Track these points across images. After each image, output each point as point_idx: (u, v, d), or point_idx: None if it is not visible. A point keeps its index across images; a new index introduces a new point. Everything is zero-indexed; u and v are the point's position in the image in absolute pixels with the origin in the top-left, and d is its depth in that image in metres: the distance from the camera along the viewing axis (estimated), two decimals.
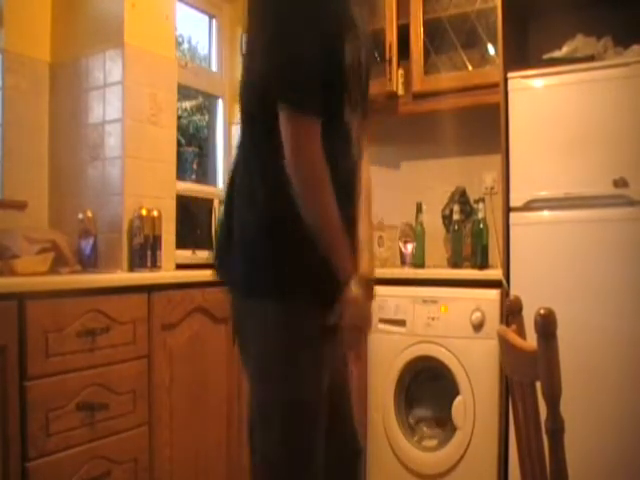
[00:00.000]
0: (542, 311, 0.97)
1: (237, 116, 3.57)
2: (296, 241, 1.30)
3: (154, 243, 2.31)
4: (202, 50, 3.54)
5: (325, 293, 1.31)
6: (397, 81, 2.99)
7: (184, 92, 3.31)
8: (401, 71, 3.02)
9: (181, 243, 2.57)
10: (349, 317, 1.31)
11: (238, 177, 1.40)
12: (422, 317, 2.57)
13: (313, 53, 1.23)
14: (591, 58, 2.38)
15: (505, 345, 1.19)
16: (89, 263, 2.26)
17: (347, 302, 1.30)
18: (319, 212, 1.27)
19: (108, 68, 2.36)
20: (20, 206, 2.38)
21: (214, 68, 3.50)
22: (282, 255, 1.31)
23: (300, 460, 1.34)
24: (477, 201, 2.86)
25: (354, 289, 1.30)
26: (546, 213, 2.35)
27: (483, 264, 2.69)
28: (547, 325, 0.96)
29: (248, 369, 1.40)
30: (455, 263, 2.84)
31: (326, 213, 1.27)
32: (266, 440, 1.37)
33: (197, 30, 3.47)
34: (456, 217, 2.88)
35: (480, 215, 2.78)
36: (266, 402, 1.37)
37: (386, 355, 2.64)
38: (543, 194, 2.35)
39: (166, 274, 2.22)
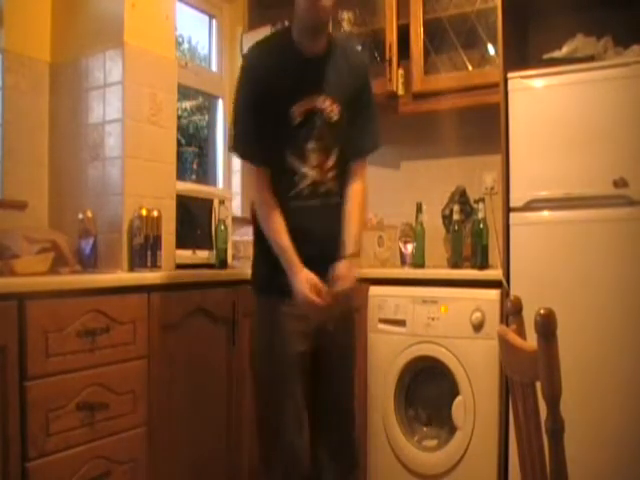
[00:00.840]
0: (542, 311, 0.97)
1: None
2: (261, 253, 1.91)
3: (154, 243, 2.31)
4: (202, 50, 3.54)
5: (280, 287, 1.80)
6: (397, 81, 2.99)
7: (184, 92, 3.31)
8: (401, 71, 3.02)
9: (181, 243, 2.56)
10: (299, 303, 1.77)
11: None
12: (422, 317, 2.57)
13: (243, 115, 1.85)
14: (591, 58, 2.38)
15: (505, 345, 1.19)
16: (89, 263, 2.26)
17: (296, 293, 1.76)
18: (267, 235, 1.83)
19: (108, 68, 2.35)
20: (20, 206, 2.38)
21: (214, 68, 3.50)
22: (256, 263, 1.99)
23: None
24: (477, 201, 2.86)
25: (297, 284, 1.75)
26: (546, 213, 2.35)
27: (483, 264, 2.69)
28: (547, 325, 0.97)
29: None
30: (455, 263, 2.84)
31: (269, 236, 1.82)
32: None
33: (197, 30, 3.47)
34: (456, 217, 2.88)
35: (480, 215, 2.78)
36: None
37: (386, 355, 2.64)
38: (543, 194, 2.35)
39: (166, 274, 2.22)
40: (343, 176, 1.90)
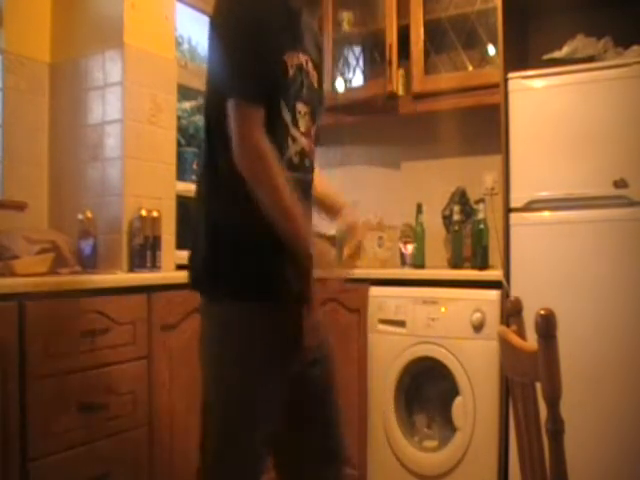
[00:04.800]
0: (542, 312, 0.97)
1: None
2: (239, 242, 1.40)
3: (154, 244, 2.31)
4: (202, 50, 3.54)
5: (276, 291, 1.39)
6: (397, 81, 2.99)
7: (184, 92, 3.31)
8: (401, 71, 3.02)
9: (181, 243, 2.56)
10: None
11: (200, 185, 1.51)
12: (422, 318, 2.57)
13: (251, 63, 1.37)
14: (591, 58, 2.38)
15: (505, 346, 1.19)
16: (89, 264, 2.26)
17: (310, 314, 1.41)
18: (271, 196, 1.35)
19: (108, 68, 2.36)
20: (20, 206, 2.38)
21: None
22: (229, 257, 1.40)
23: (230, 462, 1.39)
24: (477, 202, 2.86)
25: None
26: (546, 214, 2.35)
27: (483, 265, 2.69)
28: (547, 326, 0.96)
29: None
30: (455, 264, 2.84)
31: (279, 196, 1.34)
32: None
33: (197, 30, 3.47)
34: (456, 218, 2.88)
35: (480, 216, 2.78)
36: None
37: (386, 356, 2.63)
38: (543, 195, 2.35)
39: (166, 275, 2.22)
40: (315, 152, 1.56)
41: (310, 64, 1.52)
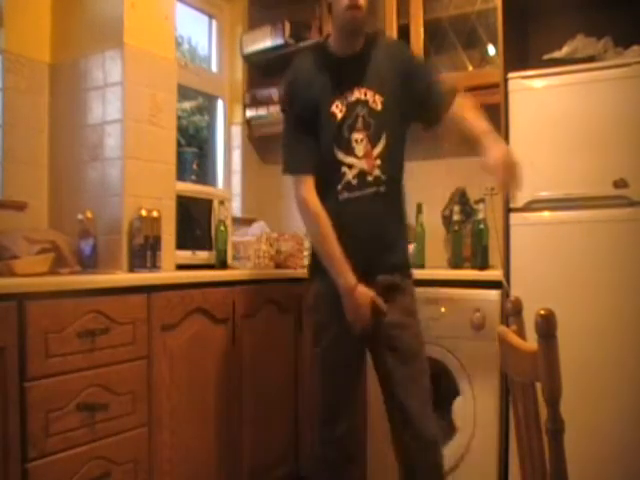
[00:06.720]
0: (542, 312, 0.97)
1: (238, 116, 3.57)
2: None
3: (154, 244, 2.31)
4: (202, 50, 3.54)
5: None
6: None
7: (184, 92, 3.31)
8: None
9: (181, 244, 2.56)
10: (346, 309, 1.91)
11: None
12: (422, 318, 2.55)
13: (287, 134, 1.99)
14: (591, 58, 2.38)
15: (505, 346, 1.19)
16: (89, 264, 2.26)
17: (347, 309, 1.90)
18: (315, 245, 1.99)
19: (108, 68, 2.36)
20: (20, 206, 2.38)
21: (214, 68, 3.50)
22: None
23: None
24: (477, 201, 2.86)
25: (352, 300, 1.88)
26: (546, 214, 2.35)
27: (483, 265, 2.69)
28: (547, 326, 0.96)
29: None
30: (455, 264, 2.83)
31: (317, 247, 1.96)
32: None
33: (197, 30, 3.47)
34: (456, 218, 2.88)
35: (480, 215, 2.78)
36: None
37: None
38: (543, 195, 2.35)
39: (166, 275, 2.22)
40: (390, 164, 1.93)
41: (369, 92, 1.90)
